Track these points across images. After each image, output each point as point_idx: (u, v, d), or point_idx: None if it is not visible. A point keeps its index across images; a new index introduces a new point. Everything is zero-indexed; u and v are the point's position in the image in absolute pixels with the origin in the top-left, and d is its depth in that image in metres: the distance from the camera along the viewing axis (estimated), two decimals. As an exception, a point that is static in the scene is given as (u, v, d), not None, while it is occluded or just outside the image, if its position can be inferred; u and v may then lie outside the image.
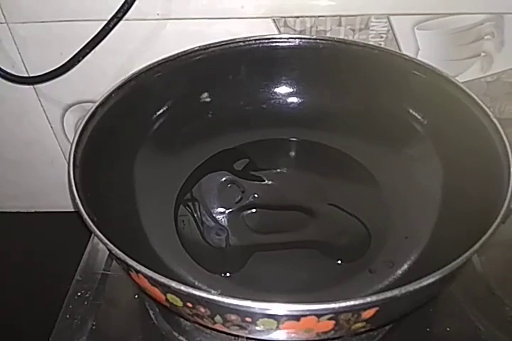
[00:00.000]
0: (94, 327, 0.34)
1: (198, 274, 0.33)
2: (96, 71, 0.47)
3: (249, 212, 0.39)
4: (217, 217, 0.38)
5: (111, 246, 0.25)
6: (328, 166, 0.42)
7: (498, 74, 0.48)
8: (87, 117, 0.33)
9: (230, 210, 0.39)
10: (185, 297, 0.24)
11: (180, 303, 0.24)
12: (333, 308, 0.22)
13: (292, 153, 0.44)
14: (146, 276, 0.24)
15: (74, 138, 0.32)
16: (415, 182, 0.38)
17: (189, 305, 0.24)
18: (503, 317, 0.34)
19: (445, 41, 0.46)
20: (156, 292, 0.25)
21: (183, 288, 0.23)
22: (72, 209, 0.63)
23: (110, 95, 0.36)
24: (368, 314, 0.23)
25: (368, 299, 0.22)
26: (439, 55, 0.47)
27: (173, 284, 0.23)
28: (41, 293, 0.54)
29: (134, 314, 0.35)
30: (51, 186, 0.61)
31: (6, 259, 0.58)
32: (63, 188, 0.60)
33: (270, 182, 0.41)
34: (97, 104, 0.35)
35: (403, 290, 0.22)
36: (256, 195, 0.40)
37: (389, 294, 0.22)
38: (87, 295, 0.36)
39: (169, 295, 0.25)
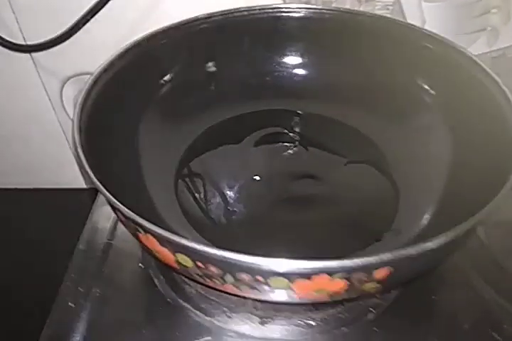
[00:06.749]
0: (97, 295, 0.33)
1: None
2: (96, 41, 0.46)
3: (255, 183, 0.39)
4: (225, 192, 0.38)
5: (120, 205, 0.25)
6: (333, 139, 0.42)
7: (503, 50, 0.48)
8: (90, 82, 0.33)
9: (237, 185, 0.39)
10: (196, 255, 0.23)
11: (190, 263, 0.24)
12: (347, 265, 0.22)
13: (296, 126, 0.44)
14: (155, 235, 0.24)
15: (78, 102, 0.31)
16: (423, 153, 0.37)
17: (199, 264, 0.24)
18: (508, 287, 0.34)
19: (451, 14, 0.45)
20: (166, 253, 0.25)
21: (195, 245, 0.22)
22: (67, 187, 0.62)
23: (113, 62, 0.35)
24: (380, 273, 0.23)
25: (384, 257, 0.22)
26: (444, 29, 0.46)
27: (185, 241, 0.22)
28: (41, 268, 0.53)
29: (138, 282, 0.34)
30: (47, 162, 0.60)
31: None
32: (59, 164, 0.60)
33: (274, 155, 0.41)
34: (100, 69, 0.34)
35: (419, 249, 0.22)
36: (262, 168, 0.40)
37: (404, 252, 0.22)
38: (91, 263, 0.35)
39: (179, 255, 0.24)
